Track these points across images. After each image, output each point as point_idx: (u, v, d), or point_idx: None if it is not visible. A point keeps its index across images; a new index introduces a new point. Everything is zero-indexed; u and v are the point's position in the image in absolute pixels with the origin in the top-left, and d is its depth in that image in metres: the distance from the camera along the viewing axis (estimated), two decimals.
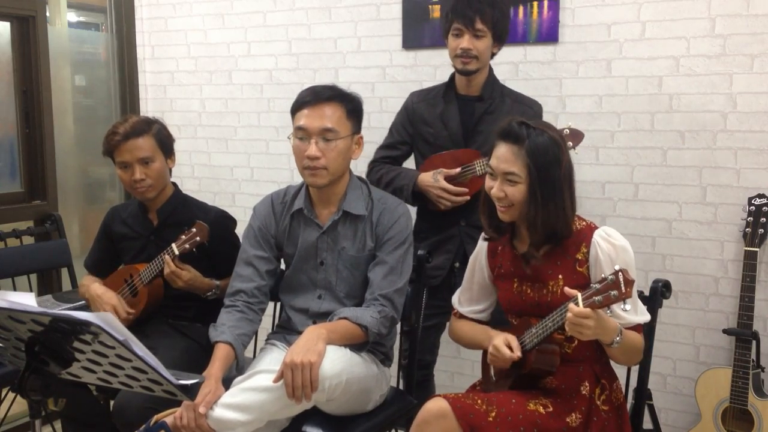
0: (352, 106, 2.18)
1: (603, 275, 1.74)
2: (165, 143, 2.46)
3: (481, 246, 2.12)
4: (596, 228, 1.92)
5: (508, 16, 2.56)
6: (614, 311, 1.77)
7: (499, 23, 2.48)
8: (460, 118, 2.58)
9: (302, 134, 2.14)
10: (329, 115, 2.12)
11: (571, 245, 1.92)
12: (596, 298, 1.69)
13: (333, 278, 2.22)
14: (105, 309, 2.38)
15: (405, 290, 2.22)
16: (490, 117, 2.54)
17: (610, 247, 1.87)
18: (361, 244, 2.20)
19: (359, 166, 3.32)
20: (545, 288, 1.93)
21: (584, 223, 1.95)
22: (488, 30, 2.46)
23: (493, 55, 2.57)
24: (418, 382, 2.74)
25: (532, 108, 2.58)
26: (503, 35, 2.53)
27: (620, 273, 1.68)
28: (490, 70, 2.60)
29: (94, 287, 2.46)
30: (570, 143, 2.34)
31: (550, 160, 1.85)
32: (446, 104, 2.61)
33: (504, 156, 1.89)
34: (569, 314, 1.71)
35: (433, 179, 2.52)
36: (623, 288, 1.67)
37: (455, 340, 2.21)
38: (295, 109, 2.18)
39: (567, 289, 1.77)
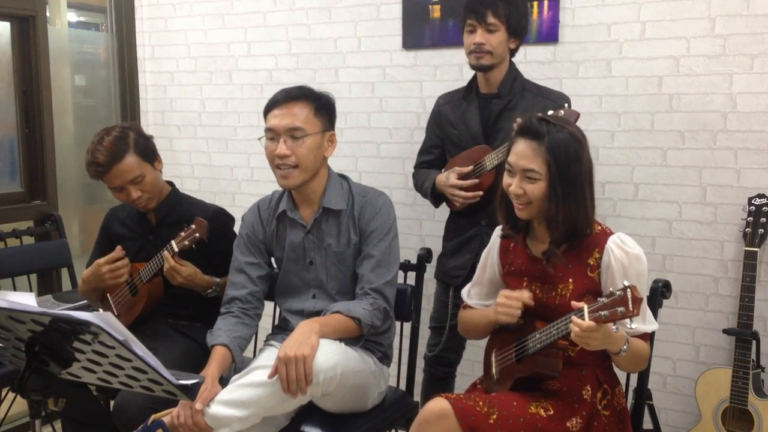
0: (319, 104, 2.18)
1: (611, 290, 1.70)
2: (146, 152, 2.42)
3: (494, 241, 2.10)
4: (611, 234, 1.90)
5: (523, 10, 2.52)
6: (620, 327, 1.74)
7: (513, 17, 2.45)
8: (480, 117, 2.56)
9: (271, 134, 2.16)
10: (296, 114, 2.13)
11: (584, 249, 1.89)
12: (602, 312, 1.67)
13: (324, 276, 2.23)
14: (103, 268, 2.38)
15: (395, 281, 2.23)
16: (509, 114, 2.49)
17: (623, 254, 1.84)
18: (345, 239, 2.21)
19: (359, 166, 3.33)
20: (554, 290, 1.92)
21: (599, 227, 1.93)
22: (501, 24, 2.44)
23: (512, 51, 2.55)
24: (439, 379, 2.78)
25: (553, 101, 2.49)
26: (519, 29, 2.50)
27: (629, 290, 1.64)
28: (512, 66, 2.57)
29: (83, 273, 2.47)
30: None
31: (570, 156, 1.83)
32: (467, 104, 2.60)
33: (523, 152, 1.86)
34: (575, 328, 1.69)
35: (446, 178, 2.53)
36: (630, 306, 1.63)
37: (463, 331, 2.20)
38: (266, 111, 2.20)
39: (573, 303, 1.75)
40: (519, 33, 2.51)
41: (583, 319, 1.69)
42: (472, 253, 2.59)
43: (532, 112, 1.96)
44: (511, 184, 1.89)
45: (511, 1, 2.46)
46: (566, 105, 2.31)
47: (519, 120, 1.98)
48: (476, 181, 2.47)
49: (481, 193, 2.47)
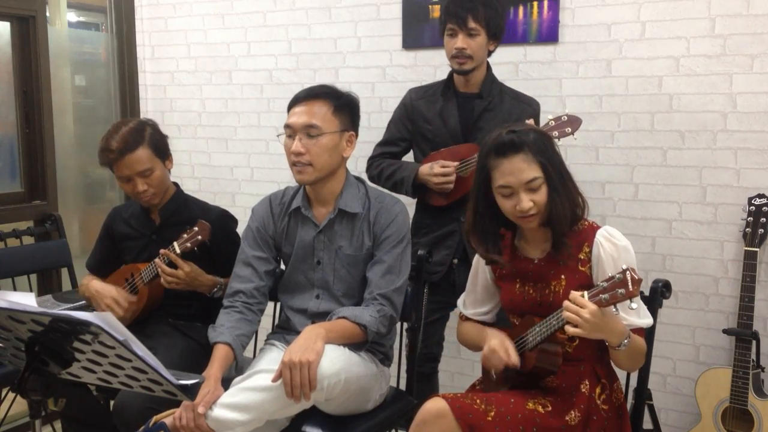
0: (339, 103, 2.18)
1: (610, 274, 1.73)
2: (160, 148, 2.43)
3: None
4: (598, 228, 1.93)
5: (502, 13, 2.55)
6: (620, 311, 1.75)
7: (493, 20, 2.49)
8: (459, 115, 2.59)
9: (289, 131, 2.17)
10: (315, 112, 2.14)
11: (574, 245, 1.91)
12: (603, 296, 1.69)
13: (330, 278, 2.22)
14: (105, 302, 2.38)
15: (404, 289, 2.23)
16: (489, 114, 2.56)
17: (612, 247, 1.87)
18: (358, 243, 2.21)
19: (358, 166, 3.33)
20: (548, 288, 1.93)
21: (587, 222, 1.95)
22: (482, 28, 2.48)
23: (490, 52, 2.59)
24: (425, 375, 2.79)
25: (531, 106, 2.61)
26: (498, 32, 2.54)
27: (628, 272, 1.67)
28: (489, 67, 2.61)
29: (93, 284, 2.46)
30: (568, 129, 2.36)
31: (550, 150, 1.89)
32: (445, 101, 2.62)
33: (517, 168, 1.86)
34: (566, 302, 1.71)
35: (430, 169, 2.54)
36: (630, 286, 1.66)
37: (462, 343, 2.22)
38: (288, 109, 2.21)
39: (572, 292, 1.75)
40: (497, 35, 2.55)
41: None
42: (450, 249, 2.61)
43: (510, 121, 1.99)
44: (516, 203, 1.87)
45: (490, 5, 2.48)
46: (567, 111, 2.40)
47: (490, 139, 1.94)
48: (455, 164, 2.50)
49: (454, 177, 2.50)
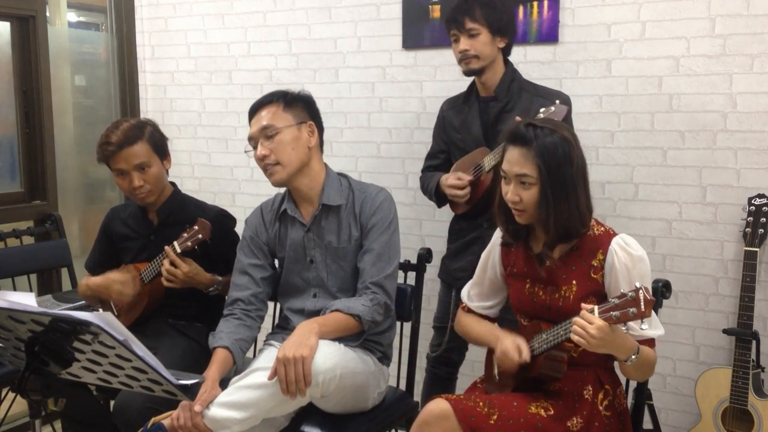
0: (286, 100, 2.22)
1: (622, 284, 1.71)
2: (159, 146, 2.45)
3: (496, 242, 2.10)
4: (614, 235, 1.90)
5: (502, 8, 2.49)
6: (630, 326, 1.73)
7: (492, 17, 2.45)
8: (480, 120, 2.57)
9: (252, 143, 2.21)
10: (264, 116, 2.19)
11: (588, 251, 1.90)
12: (613, 313, 1.66)
13: (324, 275, 2.24)
14: (114, 288, 2.38)
15: (396, 275, 2.24)
16: (507, 115, 2.49)
17: (627, 256, 1.85)
18: (346, 235, 2.22)
19: (359, 166, 3.33)
20: (558, 292, 1.92)
21: (602, 229, 1.93)
22: (481, 26, 2.44)
23: (504, 50, 2.54)
24: (441, 379, 2.80)
25: (547, 98, 2.47)
26: (504, 27, 2.48)
27: (641, 291, 1.64)
28: (509, 67, 2.56)
29: (92, 280, 2.46)
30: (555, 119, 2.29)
31: (560, 158, 1.83)
32: (468, 108, 2.61)
33: (515, 159, 1.87)
34: (581, 323, 1.68)
35: (445, 180, 2.54)
36: (642, 307, 1.63)
37: (461, 333, 2.21)
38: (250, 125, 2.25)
39: (583, 305, 1.73)
40: (504, 31, 2.49)
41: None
42: (474, 255, 2.58)
43: (524, 117, 1.97)
44: (508, 191, 1.90)
45: (486, 3, 2.45)
46: (557, 101, 2.29)
47: (511, 124, 1.97)
48: (469, 178, 2.48)
49: (468, 189, 2.48)
